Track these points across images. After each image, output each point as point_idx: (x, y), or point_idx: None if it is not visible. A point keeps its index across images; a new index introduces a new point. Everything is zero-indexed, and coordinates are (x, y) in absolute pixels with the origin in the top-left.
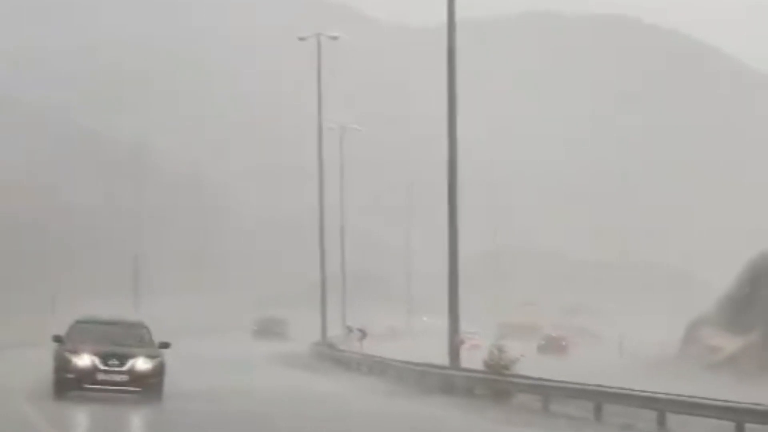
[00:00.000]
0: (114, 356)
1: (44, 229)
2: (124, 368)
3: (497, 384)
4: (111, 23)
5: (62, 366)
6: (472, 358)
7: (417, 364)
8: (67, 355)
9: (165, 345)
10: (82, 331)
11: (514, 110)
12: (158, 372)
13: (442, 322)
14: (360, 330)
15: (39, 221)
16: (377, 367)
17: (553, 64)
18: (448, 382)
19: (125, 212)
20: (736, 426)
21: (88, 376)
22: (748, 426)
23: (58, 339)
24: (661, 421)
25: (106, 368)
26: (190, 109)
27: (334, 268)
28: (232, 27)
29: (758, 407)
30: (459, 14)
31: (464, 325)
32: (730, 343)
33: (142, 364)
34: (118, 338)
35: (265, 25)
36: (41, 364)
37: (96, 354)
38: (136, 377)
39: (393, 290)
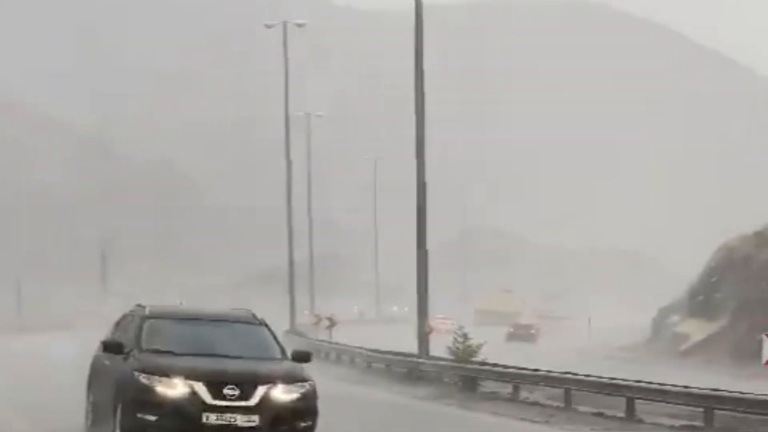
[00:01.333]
0: (230, 380)
1: (9, 213)
2: (251, 401)
3: (465, 372)
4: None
5: (136, 400)
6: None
7: (385, 352)
8: (145, 380)
9: (303, 356)
10: (160, 335)
11: (481, 97)
12: (309, 409)
13: (411, 310)
14: (328, 318)
15: (3, 205)
16: (345, 355)
17: (524, 54)
18: (416, 370)
19: (92, 197)
20: (704, 412)
21: (187, 417)
22: (716, 413)
23: (113, 347)
24: (630, 408)
25: (219, 402)
26: (158, 96)
27: (303, 254)
28: (204, 14)
29: (726, 394)
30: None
31: (435, 312)
32: (698, 331)
33: (281, 394)
34: (227, 347)
35: (237, 13)
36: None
37: (199, 378)
38: (271, 417)
39: (362, 277)
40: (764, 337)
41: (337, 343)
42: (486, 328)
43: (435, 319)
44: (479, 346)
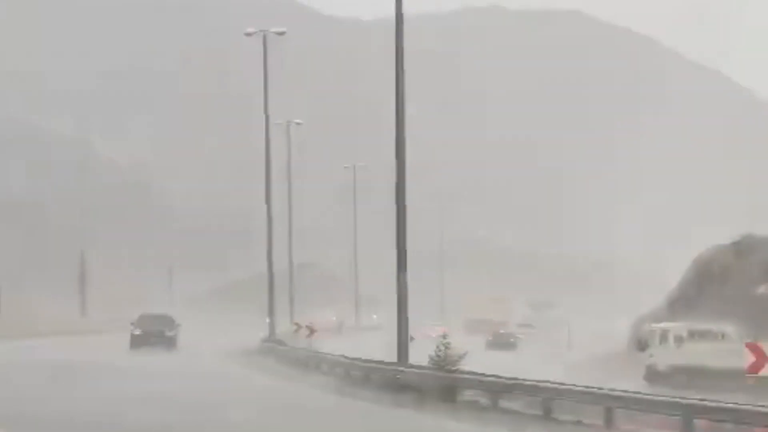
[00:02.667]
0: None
1: None
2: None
3: (445, 380)
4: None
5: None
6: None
7: (364, 361)
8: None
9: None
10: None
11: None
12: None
13: (392, 319)
14: (308, 326)
15: None
16: (325, 363)
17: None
18: (395, 378)
19: (70, 205)
20: (683, 421)
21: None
22: (695, 421)
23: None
24: (609, 417)
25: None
26: (135, 107)
27: (282, 263)
28: (179, 25)
29: (705, 403)
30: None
31: (415, 319)
32: None
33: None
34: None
35: (214, 25)
36: None
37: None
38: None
39: (340, 286)
40: (744, 347)
41: (316, 352)
42: (477, 336)
43: (426, 327)
44: (461, 356)
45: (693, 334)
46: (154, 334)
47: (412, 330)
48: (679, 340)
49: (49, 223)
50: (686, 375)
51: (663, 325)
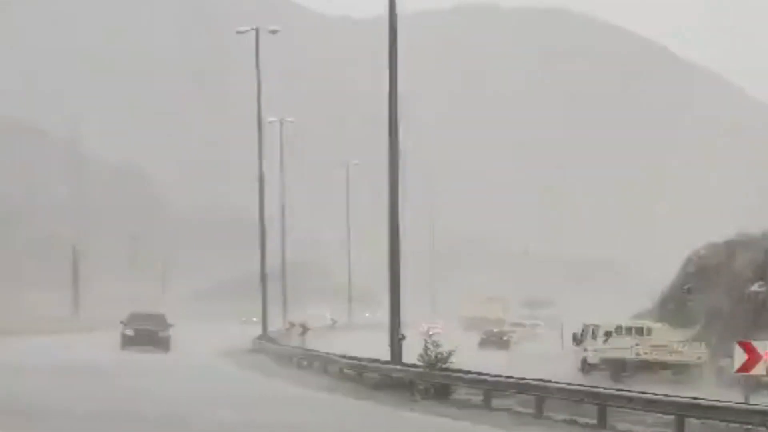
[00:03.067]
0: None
1: None
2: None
3: (438, 379)
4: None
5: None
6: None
7: (357, 359)
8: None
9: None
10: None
11: (454, 109)
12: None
13: (385, 316)
14: (301, 324)
15: None
16: (318, 361)
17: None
18: (388, 376)
19: (62, 204)
20: (676, 420)
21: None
22: (688, 420)
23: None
24: (602, 416)
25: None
26: (129, 103)
27: (276, 261)
28: (172, 24)
29: (698, 401)
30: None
31: (408, 317)
32: (670, 339)
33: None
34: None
35: (207, 23)
36: None
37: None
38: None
39: (333, 284)
40: (735, 345)
41: (310, 350)
42: (474, 333)
43: (425, 325)
44: (450, 354)
45: (620, 330)
46: (146, 334)
47: (411, 328)
48: (607, 335)
49: (41, 222)
50: (611, 367)
51: (595, 321)
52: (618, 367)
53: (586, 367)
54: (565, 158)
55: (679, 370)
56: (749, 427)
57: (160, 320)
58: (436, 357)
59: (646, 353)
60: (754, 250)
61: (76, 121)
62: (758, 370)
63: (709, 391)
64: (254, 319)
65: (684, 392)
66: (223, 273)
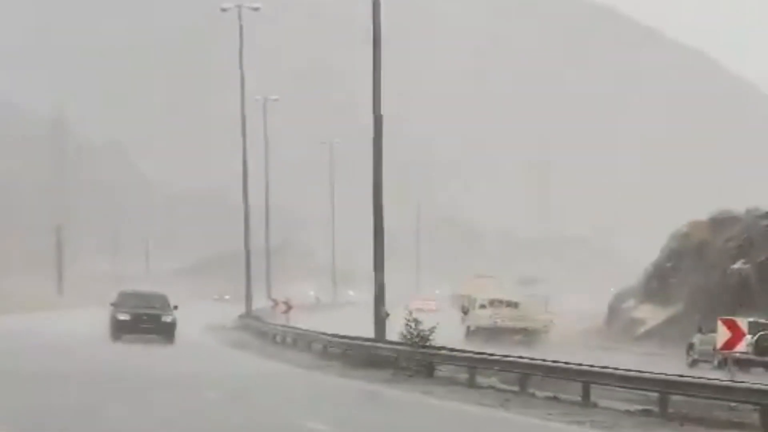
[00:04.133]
0: (147, 314)
1: None
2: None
3: (421, 356)
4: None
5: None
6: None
7: (341, 337)
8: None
9: (175, 307)
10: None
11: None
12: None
13: (369, 295)
14: (285, 302)
15: None
16: (302, 339)
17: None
18: (372, 354)
19: (46, 183)
20: (659, 397)
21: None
22: (671, 397)
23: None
24: (586, 393)
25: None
26: (111, 82)
27: (259, 239)
28: (154, 3)
29: (681, 379)
30: None
31: (393, 296)
32: (654, 316)
33: (167, 318)
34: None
35: (190, 2)
36: None
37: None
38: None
39: (317, 263)
40: (718, 322)
41: (294, 328)
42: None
43: (417, 300)
44: (432, 331)
45: (493, 303)
46: (146, 319)
47: (403, 306)
48: (482, 307)
49: (24, 201)
50: (486, 333)
51: (475, 295)
52: (487, 333)
53: (468, 333)
54: (552, 137)
55: (528, 334)
56: (733, 404)
57: (161, 301)
58: (418, 335)
59: (502, 322)
60: (738, 227)
61: (58, 99)
62: (741, 347)
63: (546, 351)
64: (226, 296)
65: (525, 352)
66: (206, 250)
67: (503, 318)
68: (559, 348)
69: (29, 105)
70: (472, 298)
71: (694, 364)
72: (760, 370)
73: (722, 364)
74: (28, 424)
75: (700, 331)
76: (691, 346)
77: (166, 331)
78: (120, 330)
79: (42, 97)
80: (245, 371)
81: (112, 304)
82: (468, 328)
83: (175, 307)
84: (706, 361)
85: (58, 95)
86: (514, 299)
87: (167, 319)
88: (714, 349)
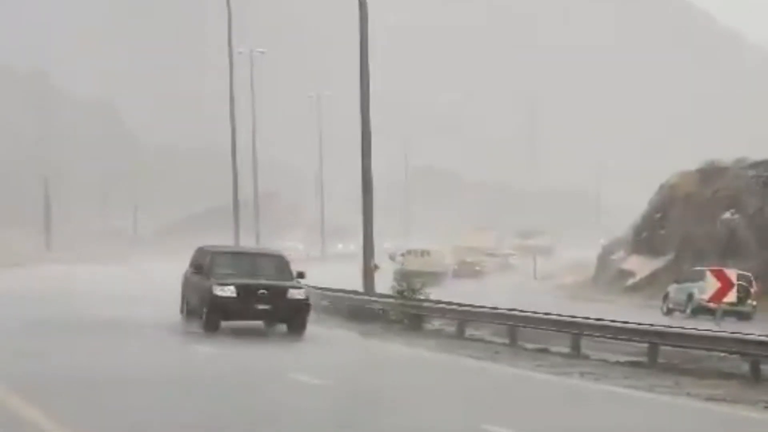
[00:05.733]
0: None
1: None
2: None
3: (410, 309)
4: None
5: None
6: None
7: (330, 290)
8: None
9: (300, 275)
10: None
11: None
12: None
13: (357, 248)
14: None
15: None
16: None
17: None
18: (361, 307)
19: (31, 140)
20: (648, 348)
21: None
22: (660, 348)
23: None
24: (576, 345)
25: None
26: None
27: (248, 193)
28: None
29: (670, 329)
30: None
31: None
32: (643, 267)
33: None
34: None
35: None
36: None
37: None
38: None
39: (306, 216)
40: (707, 272)
41: None
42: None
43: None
44: (423, 285)
45: (410, 252)
46: (264, 296)
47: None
48: (402, 255)
49: (10, 158)
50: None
51: (396, 247)
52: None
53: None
54: (544, 89)
55: (428, 277)
56: (723, 354)
57: (279, 264)
58: (408, 287)
59: (408, 265)
60: (727, 178)
61: (43, 54)
62: (730, 297)
63: (536, 303)
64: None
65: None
66: (195, 204)
67: (411, 264)
68: (550, 300)
69: (9, 57)
70: (395, 248)
71: (669, 312)
72: (733, 319)
73: (696, 312)
74: None
75: (676, 281)
76: (666, 296)
77: (295, 316)
78: (220, 313)
79: (26, 51)
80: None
81: (196, 269)
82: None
83: (300, 275)
84: (680, 311)
85: (38, 52)
86: (429, 249)
87: (297, 294)
88: (688, 297)
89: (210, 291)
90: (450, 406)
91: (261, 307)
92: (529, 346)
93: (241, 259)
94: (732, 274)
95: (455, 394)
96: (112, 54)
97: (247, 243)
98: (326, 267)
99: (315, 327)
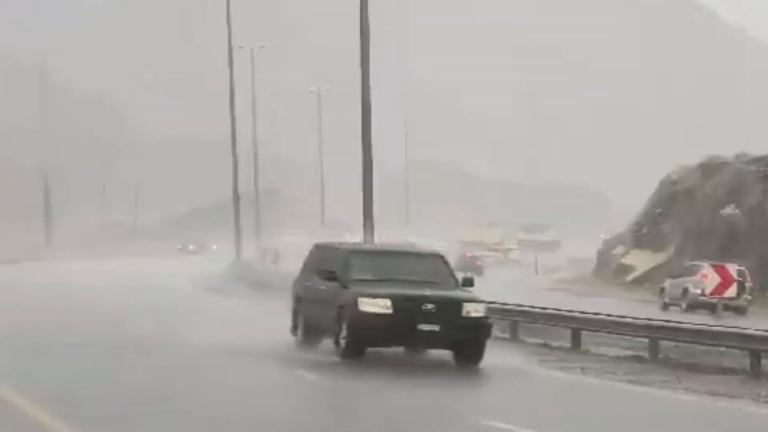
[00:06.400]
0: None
1: None
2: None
3: None
4: None
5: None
6: None
7: None
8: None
9: (469, 282)
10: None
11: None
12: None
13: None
14: (274, 251)
15: None
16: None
17: None
18: None
19: (31, 131)
20: (649, 343)
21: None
22: (661, 343)
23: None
24: (576, 339)
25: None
26: (96, 28)
27: (247, 186)
28: None
29: (669, 324)
30: None
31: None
32: (644, 262)
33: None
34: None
35: None
36: None
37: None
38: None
39: (307, 211)
40: (709, 267)
41: (283, 275)
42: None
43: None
44: None
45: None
46: (431, 313)
47: None
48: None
49: (10, 151)
50: None
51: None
52: None
53: None
54: (544, 83)
55: None
56: (723, 349)
57: (438, 267)
58: None
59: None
60: (728, 173)
61: (44, 48)
62: (730, 292)
63: (535, 297)
64: (190, 247)
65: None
66: (195, 198)
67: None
68: (552, 294)
69: (11, 51)
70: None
71: (665, 307)
72: (730, 313)
73: (691, 307)
74: None
75: (671, 276)
76: (662, 290)
77: (473, 339)
78: (367, 336)
79: (28, 45)
80: (229, 313)
81: (320, 274)
82: None
83: (467, 282)
84: (675, 305)
85: (40, 46)
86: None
87: (475, 310)
88: (683, 292)
89: (353, 305)
90: (446, 402)
91: (426, 327)
92: (530, 340)
93: (389, 260)
94: (732, 268)
95: (450, 387)
96: (114, 49)
97: (246, 237)
98: None
99: None
